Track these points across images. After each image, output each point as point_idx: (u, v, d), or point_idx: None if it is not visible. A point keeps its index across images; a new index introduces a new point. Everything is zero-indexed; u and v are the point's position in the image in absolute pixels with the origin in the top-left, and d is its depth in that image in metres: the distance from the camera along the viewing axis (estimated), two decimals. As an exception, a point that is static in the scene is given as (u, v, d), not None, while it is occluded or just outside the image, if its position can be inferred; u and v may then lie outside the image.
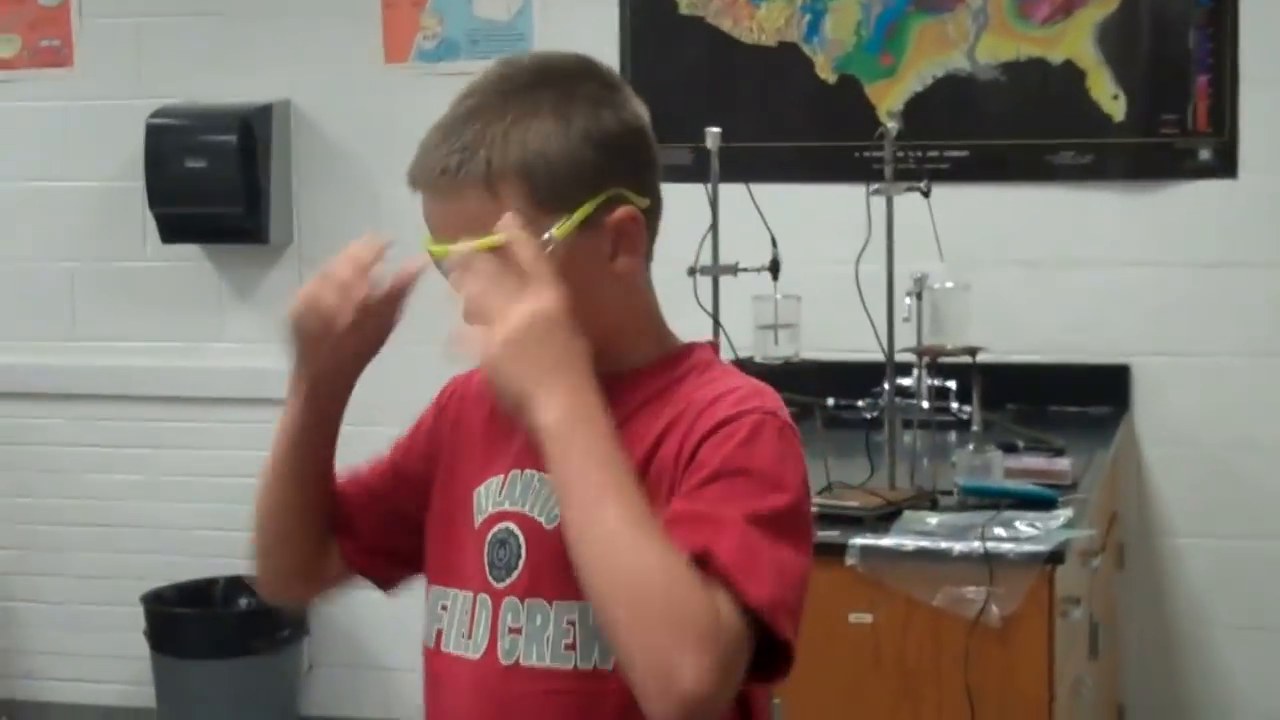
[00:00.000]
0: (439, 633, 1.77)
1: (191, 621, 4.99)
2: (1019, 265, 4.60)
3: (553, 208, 1.65)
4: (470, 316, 1.59)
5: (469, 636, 1.73)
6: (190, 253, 5.11)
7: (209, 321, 5.15)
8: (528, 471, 1.72)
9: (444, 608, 1.77)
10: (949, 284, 3.76)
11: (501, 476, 1.75)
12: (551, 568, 1.66)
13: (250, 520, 1.87)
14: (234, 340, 5.13)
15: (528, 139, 1.65)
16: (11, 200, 5.29)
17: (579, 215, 1.65)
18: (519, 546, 1.71)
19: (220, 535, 5.09)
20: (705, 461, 1.61)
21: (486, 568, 1.72)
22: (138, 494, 5.22)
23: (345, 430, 1.85)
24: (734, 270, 3.59)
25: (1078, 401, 4.54)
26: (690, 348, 1.78)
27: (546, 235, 1.62)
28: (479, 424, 1.82)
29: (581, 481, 1.54)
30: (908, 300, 3.68)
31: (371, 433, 1.95)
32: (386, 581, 1.92)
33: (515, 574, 1.70)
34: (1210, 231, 4.54)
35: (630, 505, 1.52)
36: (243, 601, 5.04)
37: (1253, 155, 4.49)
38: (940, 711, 3.16)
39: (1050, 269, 4.62)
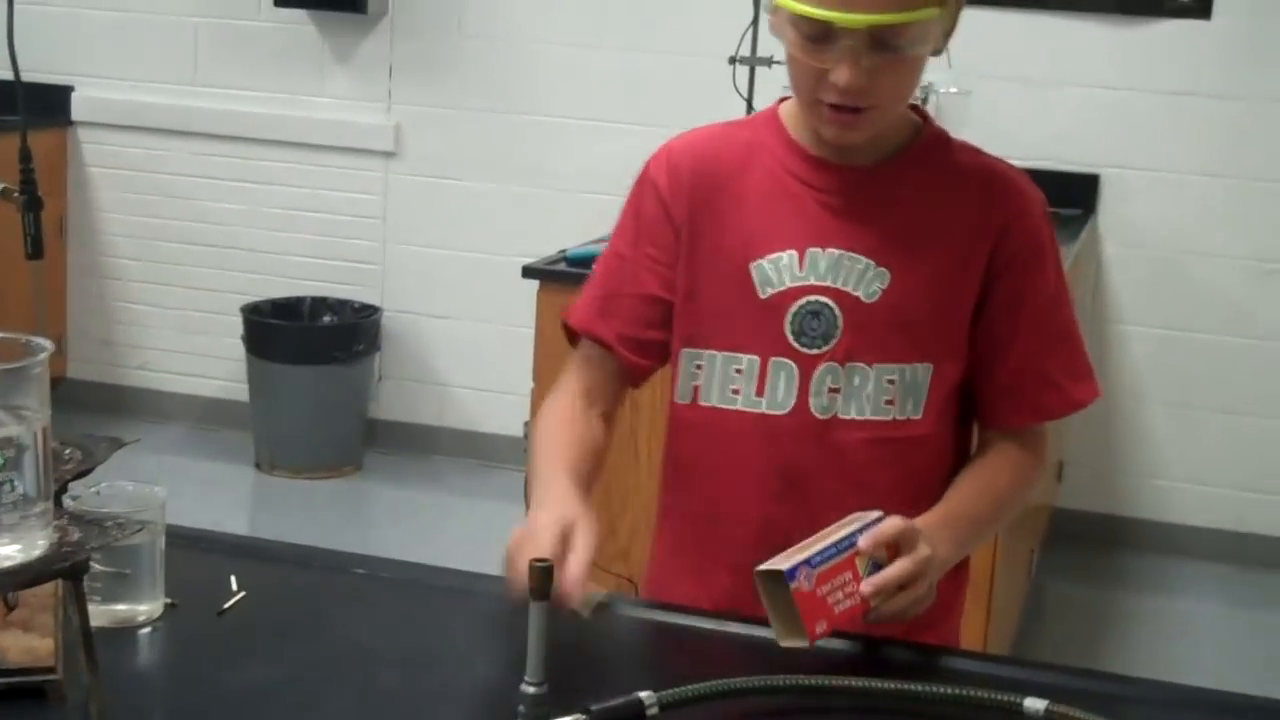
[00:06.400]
0: (696, 389, 1.69)
1: (282, 331, 4.98)
2: (1014, 80, 4.51)
3: None
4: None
5: (759, 394, 1.66)
6: (298, 16, 5.02)
7: (311, 78, 5.07)
8: (830, 250, 1.64)
9: (699, 366, 1.69)
10: (953, 89, 3.67)
11: (794, 253, 1.65)
12: (872, 336, 1.64)
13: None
14: (331, 96, 5.06)
15: None
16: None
17: None
18: (835, 318, 1.63)
19: (310, 261, 5.14)
20: (1031, 269, 1.71)
21: (791, 336, 1.64)
22: (243, 221, 5.19)
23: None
24: (769, 62, 3.50)
25: (1052, 203, 4.35)
26: (923, 116, 1.72)
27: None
28: (735, 198, 1.69)
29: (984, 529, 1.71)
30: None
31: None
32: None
33: (833, 342, 1.64)
34: (1182, 64, 4.46)
35: (987, 520, 1.70)
36: (326, 318, 5.08)
37: (1225, 1, 4.39)
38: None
39: (1040, 86, 4.53)
